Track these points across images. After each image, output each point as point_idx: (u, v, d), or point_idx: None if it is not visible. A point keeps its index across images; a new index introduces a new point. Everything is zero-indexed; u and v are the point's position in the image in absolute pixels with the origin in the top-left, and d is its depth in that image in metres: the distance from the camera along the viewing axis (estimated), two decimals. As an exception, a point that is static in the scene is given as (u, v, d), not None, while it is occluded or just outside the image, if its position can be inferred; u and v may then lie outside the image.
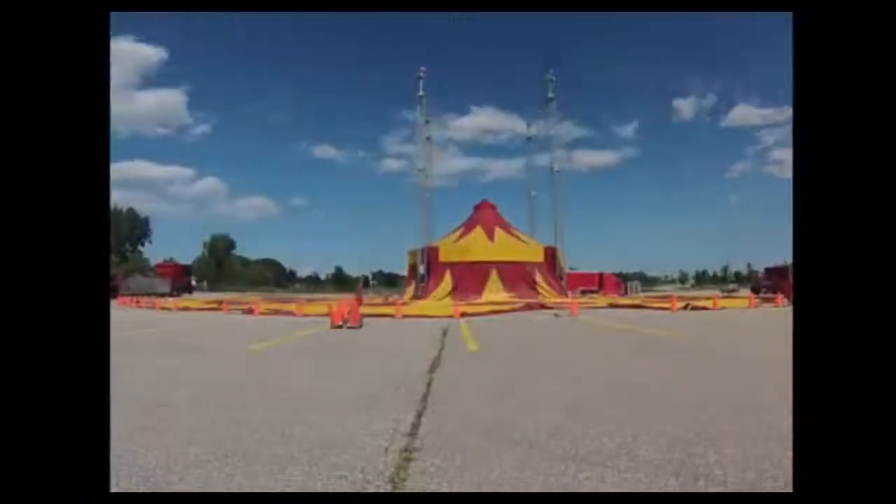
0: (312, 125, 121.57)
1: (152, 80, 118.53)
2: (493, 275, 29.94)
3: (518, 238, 33.25)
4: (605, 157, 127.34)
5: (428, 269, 31.25)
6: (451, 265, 30.67)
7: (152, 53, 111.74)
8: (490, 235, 32.27)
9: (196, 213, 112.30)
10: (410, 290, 32.01)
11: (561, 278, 32.61)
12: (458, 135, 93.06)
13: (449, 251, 31.65)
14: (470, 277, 29.55)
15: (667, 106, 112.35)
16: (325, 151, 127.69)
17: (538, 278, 30.72)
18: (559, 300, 26.88)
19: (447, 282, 30.15)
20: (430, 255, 31.55)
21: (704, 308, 18.63)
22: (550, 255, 32.61)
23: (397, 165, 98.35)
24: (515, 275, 30.24)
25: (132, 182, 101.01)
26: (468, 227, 33.75)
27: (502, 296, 28.47)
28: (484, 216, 33.96)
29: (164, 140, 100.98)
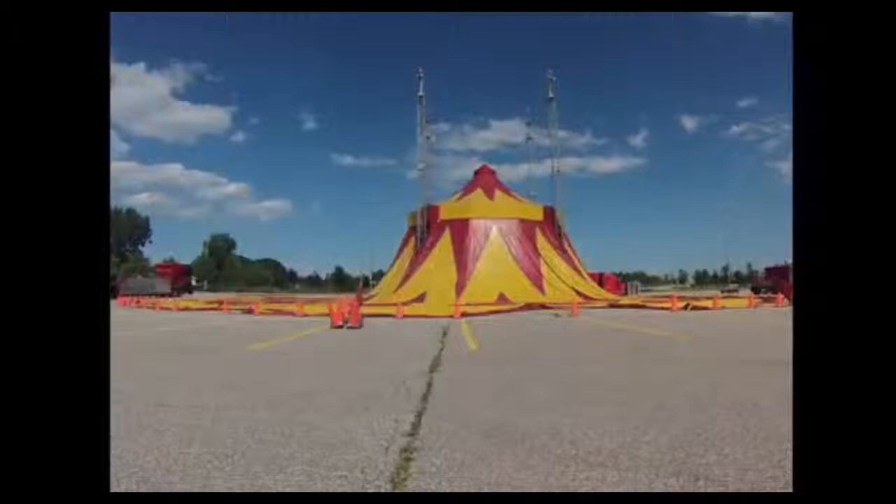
0: (342, 134, 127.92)
1: (199, 94, 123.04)
2: (494, 232, 30.05)
3: (518, 199, 33.63)
4: (611, 164, 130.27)
5: (427, 228, 31.41)
6: (451, 222, 30.77)
7: (200, 69, 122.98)
8: (490, 196, 32.56)
9: (218, 213, 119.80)
10: (409, 250, 32.08)
11: (560, 238, 32.85)
12: (482, 146, 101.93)
13: (449, 210, 31.89)
14: (471, 239, 29.71)
15: (674, 119, 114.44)
16: (349, 159, 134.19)
17: (539, 237, 30.99)
18: (560, 263, 27.61)
19: (447, 239, 30.22)
20: (430, 213, 31.76)
21: (705, 308, 18.63)
22: (550, 214, 32.89)
23: (412, 176, 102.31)
24: (516, 232, 30.50)
25: (163, 185, 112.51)
26: (468, 189, 34.07)
27: (503, 253, 29.02)
28: (484, 180, 34.21)
29: (202, 148, 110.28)
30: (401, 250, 33.61)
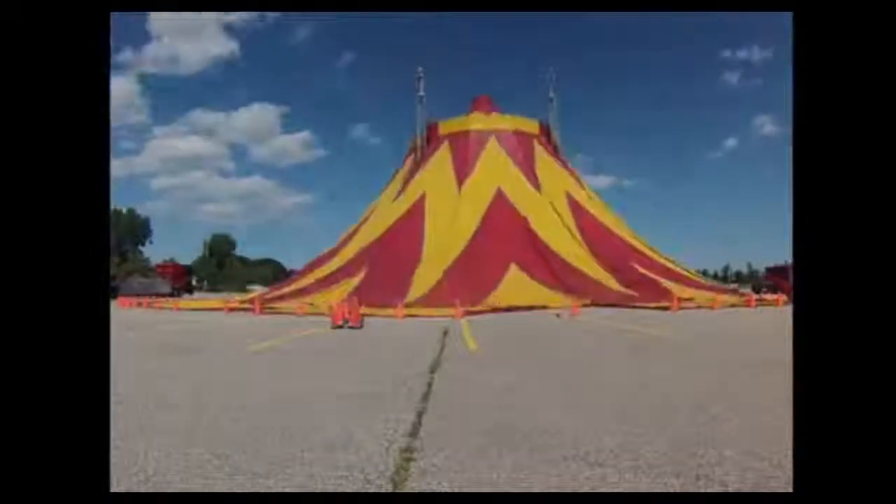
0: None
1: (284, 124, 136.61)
2: (492, 139, 31.55)
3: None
4: (629, 181, 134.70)
5: (427, 141, 33.08)
6: (450, 135, 32.38)
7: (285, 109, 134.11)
8: (487, 114, 34.20)
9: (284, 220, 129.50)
10: (409, 164, 33.50)
11: (556, 149, 34.17)
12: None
13: (448, 125, 33.56)
14: (469, 145, 31.26)
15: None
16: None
17: (536, 146, 32.43)
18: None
19: (445, 148, 31.73)
20: (430, 129, 33.53)
21: (706, 307, 18.62)
22: (546, 129, 34.25)
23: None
24: (514, 140, 31.97)
25: (245, 195, 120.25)
26: (466, 114, 35.60)
27: (502, 156, 30.52)
28: (481, 105, 35.52)
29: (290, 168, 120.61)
30: (400, 170, 35.08)
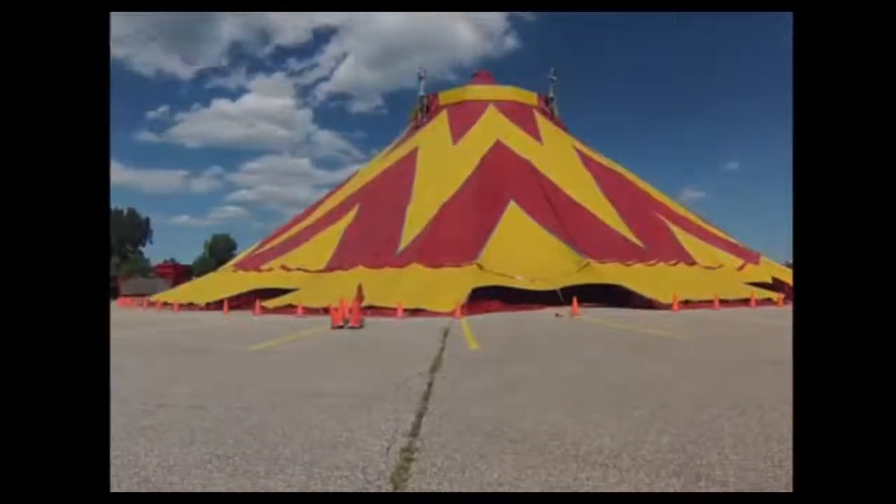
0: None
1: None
2: (491, 107, 32.01)
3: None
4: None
5: (426, 110, 34.09)
6: (449, 105, 33.21)
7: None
8: (486, 86, 35.05)
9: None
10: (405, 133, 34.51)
11: (553, 114, 34.89)
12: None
13: (447, 96, 34.47)
14: (467, 111, 31.84)
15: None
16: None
17: (537, 116, 32.97)
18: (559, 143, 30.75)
19: (443, 115, 32.44)
20: (430, 99, 34.59)
21: (707, 304, 18.59)
22: (544, 100, 34.96)
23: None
24: (514, 108, 32.56)
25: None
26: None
27: (501, 119, 31.06)
28: (481, 77, 36.48)
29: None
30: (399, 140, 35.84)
